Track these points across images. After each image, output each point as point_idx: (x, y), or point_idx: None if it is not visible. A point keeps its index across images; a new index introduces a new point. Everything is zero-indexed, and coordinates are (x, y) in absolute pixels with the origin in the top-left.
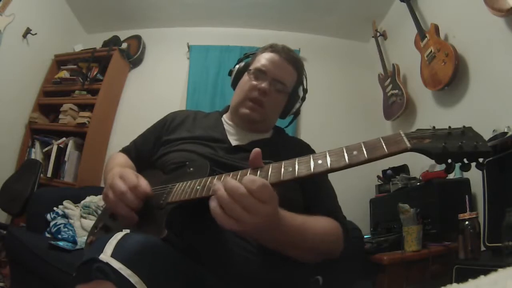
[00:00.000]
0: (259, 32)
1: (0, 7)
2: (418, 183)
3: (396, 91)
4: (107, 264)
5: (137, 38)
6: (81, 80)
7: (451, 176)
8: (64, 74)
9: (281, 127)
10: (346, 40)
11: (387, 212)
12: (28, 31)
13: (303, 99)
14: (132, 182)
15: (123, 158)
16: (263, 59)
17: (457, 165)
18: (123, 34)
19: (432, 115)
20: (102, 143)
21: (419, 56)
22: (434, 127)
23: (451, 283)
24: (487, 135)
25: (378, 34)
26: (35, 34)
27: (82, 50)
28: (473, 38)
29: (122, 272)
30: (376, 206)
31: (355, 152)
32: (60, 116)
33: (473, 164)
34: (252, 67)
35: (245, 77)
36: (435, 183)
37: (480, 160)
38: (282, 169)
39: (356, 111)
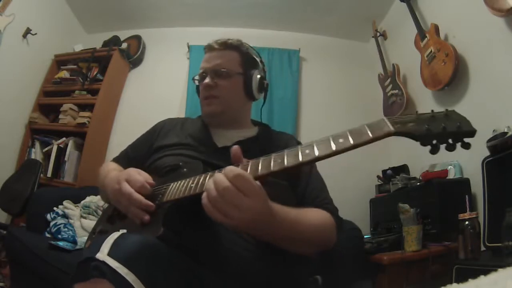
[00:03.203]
0: (259, 32)
1: (0, 7)
2: (418, 183)
3: (396, 91)
4: (103, 262)
5: (137, 38)
6: (81, 80)
7: (451, 176)
8: (64, 74)
9: (267, 124)
10: (346, 40)
11: (387, 212)
12: (28, 31)
13: (264, 71)
14: (138, 183)
15: (114, 166)
16: (202, 63)
17: (442, 146)
18: (123, 34)
19: None
20: (102, 143)
21: (419, 56)
22: (417, 111)
23: (451, 283)
24: (487, 135)
25: (378, 34)
26: (35, 34)
27: (82, 50)
28: (473, 38)
29: (119, 271)
30: (376, 206)
31: (341, 140)
32: (60, 116)
33: (459, 144)
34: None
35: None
36: (435, 183)
37: (465, 140)
38: (272, 161)
39: (356, 111)
